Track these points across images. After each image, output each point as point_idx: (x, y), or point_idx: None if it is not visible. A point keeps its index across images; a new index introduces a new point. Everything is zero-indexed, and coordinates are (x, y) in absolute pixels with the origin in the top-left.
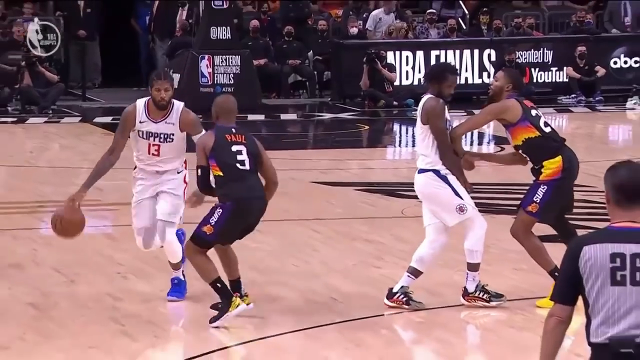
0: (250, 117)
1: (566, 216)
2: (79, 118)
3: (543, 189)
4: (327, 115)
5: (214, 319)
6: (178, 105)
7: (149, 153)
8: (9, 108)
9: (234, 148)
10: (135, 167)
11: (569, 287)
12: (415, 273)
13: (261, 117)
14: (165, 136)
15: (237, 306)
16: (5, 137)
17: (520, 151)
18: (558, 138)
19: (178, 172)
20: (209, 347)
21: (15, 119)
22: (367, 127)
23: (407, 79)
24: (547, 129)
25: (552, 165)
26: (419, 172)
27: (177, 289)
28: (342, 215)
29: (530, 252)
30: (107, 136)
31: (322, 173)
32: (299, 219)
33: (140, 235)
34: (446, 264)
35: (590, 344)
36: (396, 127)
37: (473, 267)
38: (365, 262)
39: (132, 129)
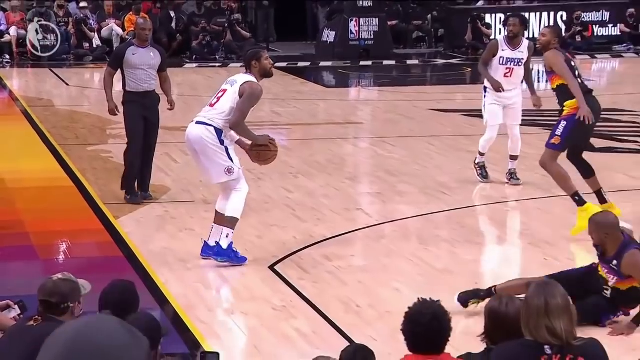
0: (385, 62)
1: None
2: None
3: (563, 124)
4: (441, 61)
5: None
6: None
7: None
8: (217, 56)
9: None
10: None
11: None
12: None
13: (393, 62)
14: None
15: None
16: (215, 77)
17: (554, 93)
18: (584, 88)
19: None
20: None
21: (220, 64)
22: (469, 69)
23: (499, 34)
24: (578, 80)
25: (571, 105)
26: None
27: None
28: (451, 133)
29: (555, 178)
30: (283, 77)
31: (437, 103)
32: (419, 135)
33: None
34: None
35: None
36: None
37: None
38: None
39: None
